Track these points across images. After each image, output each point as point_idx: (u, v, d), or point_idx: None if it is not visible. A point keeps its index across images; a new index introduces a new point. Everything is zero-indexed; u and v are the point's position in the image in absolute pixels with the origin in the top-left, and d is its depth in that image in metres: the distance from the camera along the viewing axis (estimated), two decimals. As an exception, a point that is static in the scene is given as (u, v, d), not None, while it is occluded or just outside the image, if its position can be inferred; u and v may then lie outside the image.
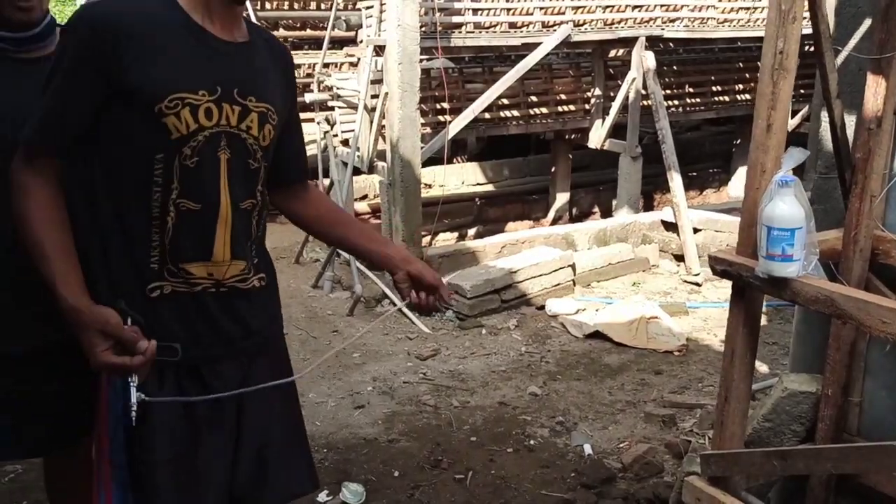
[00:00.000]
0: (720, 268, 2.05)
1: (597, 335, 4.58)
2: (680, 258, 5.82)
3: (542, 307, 5.09)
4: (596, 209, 8.19)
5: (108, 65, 1.32)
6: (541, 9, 5.68)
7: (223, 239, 1.45)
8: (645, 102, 6.39)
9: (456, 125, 5.58)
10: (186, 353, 1.42)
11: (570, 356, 4.35)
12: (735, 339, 2.09)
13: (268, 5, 7.71)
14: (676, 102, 7.35)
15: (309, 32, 7.94)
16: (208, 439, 1.47)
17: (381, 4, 5.08)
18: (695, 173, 8.93)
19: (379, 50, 5.16)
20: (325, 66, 6.67)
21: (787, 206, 1.72)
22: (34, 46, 1.75)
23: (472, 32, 5.47)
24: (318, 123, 6.25)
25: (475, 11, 5.46)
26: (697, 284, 5.48)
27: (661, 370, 4.13)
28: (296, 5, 7.80)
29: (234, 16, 1.46)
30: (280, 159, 1.58)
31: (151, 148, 1.37)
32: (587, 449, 3.28)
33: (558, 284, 5.25)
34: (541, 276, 5.19)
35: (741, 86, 7.78)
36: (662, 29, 6.15)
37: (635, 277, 5.63)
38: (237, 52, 1.45)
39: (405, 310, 4.97)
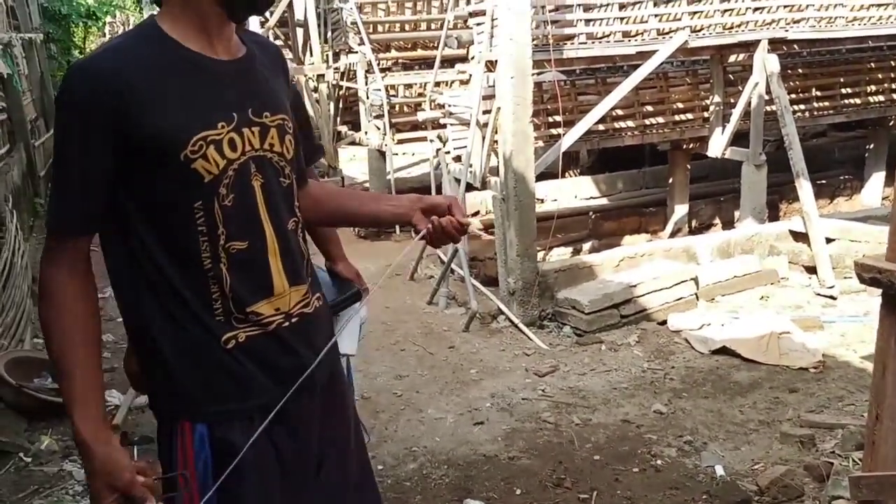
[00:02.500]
0: (869, 276, 1.90)
1: (724, 351, 4.37)
2: (812, 270, 5.50)
3: (664, 322, 4.91)
4: (717, 221, 7.88)
5: (117, 125, 1.23)
6: (656, 16, 5.53)
7: (278, 269, 1.39)
8: (768, 108, 6.10)
9: (569, 138, 5.49)
10: (273, 396, 1.35)
11: (695, 373, 4.16)
12: (887, 352, 1.93)
13: (379, 28, 7.87)
14: (803, 107, 6.99)
15: (420, 52, 8.05)
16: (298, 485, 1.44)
17: (493, 20, 5.07)
18: (823, 181, 8.45)
19: (491, 65, 5.15)
20: (437, 84, 6.74)
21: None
22: None
23: (585, 43, 5.38)
24: (431, 141, 6.30)
25: (587, 22, 5.37)
26: (832, 298, 5.16)
27: (795, 388, 3.89)
28: (406, 27, 7.93)
29: (231, 33, 1.38)
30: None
31: (187, 198, 1.29)
32: (719, 470, 3.12)
33: (680, 299, 5.06)
34: (662, 290, 5.01)
35: (873, 87, 7.31)
36: (786, 30, 5.87)
37: (763, 291, 5.35)
38: (241, 69, 1.37)
39: (522, 326, 4.91)
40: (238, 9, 1.34)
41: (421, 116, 6.16)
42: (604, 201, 8.29)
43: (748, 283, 5.40)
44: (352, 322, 2.37)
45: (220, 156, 1.29)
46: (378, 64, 7.48)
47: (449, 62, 7.18)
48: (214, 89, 1.31)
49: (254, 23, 7.83)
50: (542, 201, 7.87)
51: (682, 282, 5.09)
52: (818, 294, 5.28)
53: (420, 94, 7.25)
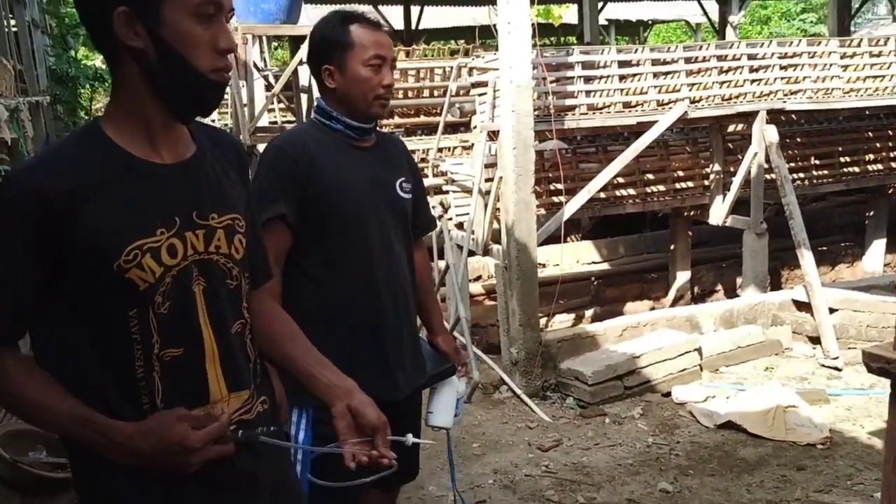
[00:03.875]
0: (877, 365, 1.88)
1: (729, 425, 4.30)
2: (815, 340, 5.46)
3: (668, 394, 4.85)
4: (719, 287, 7.87)
5: (50, 235, 1.21)
6: (655, 87, 5.61)
7: (216, 375, 1.35)
8: (768, 176, 6.14)
9: (571, 206, 5.52)
10: None
11: (701, 448, 4.09)
12: (899, 444, 1.89)
13: (383, 95, 7.97)
14: (802, 175, 7.03)
15: (423, 119, 8.15)
16: None
17: (495, 91, 5.15)
18: (824, 247, 8.46)
19: (493, 135, 5.20)
20: (440, 150, 6.80)
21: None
22: (367, 138, 2.19)
23: (586, 114, 5.45)
24: (434, 208, 6.33)
25: (588, 93, 5.45)
26: (837, 369, 5.10)
27: (803, 465, 3.82)
28: (409, 94, 8.04)
29: (178, 134, 1.35)
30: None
31: (121, 307, 1.26)
32: (728, 555, 3.04)
33: (684, 370, 5.01)
34: (665, 360, 4.96)
35: (871, 156, 7.37)
36: (784, 101, 5.95)
37: (767, 361, 5.31)
38: (188, 169, 1.35)
39: (524, 397, 4.85)
40: (183, 111, 1.33)
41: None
42: (605, 266, 8.28)
43: (752, 354, 5.35)
44: (445, 395, 2.39)
45: (156, 263, 1.27)
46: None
47: (451, 127, 7.26)
48: (156, 195, 1.29)
49: (259, 89, 7.93)
50: (544, 266, 7.86)
51: (686, 352, 5.04)
52: (823, 365, 5.22)
53: (423, 160, 7.31)
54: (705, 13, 17.19)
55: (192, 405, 1.31)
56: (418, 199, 2.35)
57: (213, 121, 14.72)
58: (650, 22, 24.32)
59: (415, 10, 16.10)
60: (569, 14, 20.45)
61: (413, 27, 16.19)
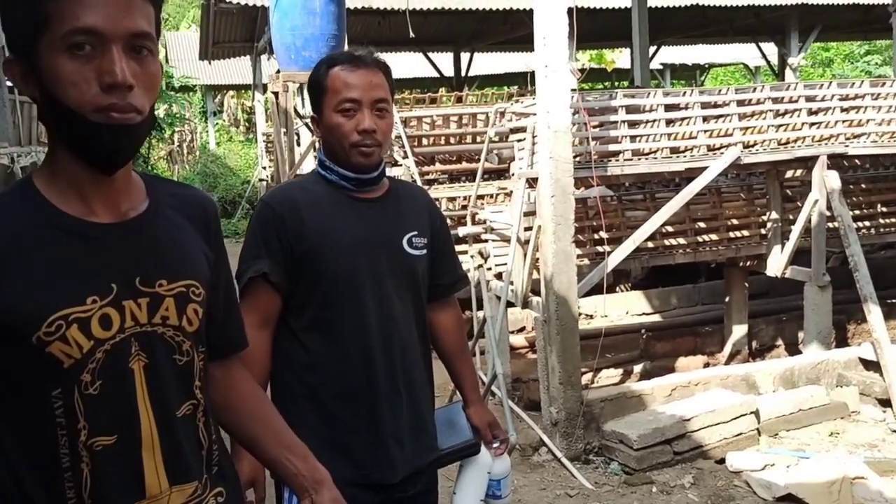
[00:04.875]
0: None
1: (790, 498, 3.92)
2: (885, 403, 5.01)
3: (722, 461, 4.47)
4: (779, 342, 7.40)
5: None
6: (705, 131, 5.32)
7: (154, 466, 1.17)
8: (830, 224, 5.75)
9: (616, 257, 5.23)
10: None
11: (758, 526, 3.71)
12: None
13: (424, 141, 7.86)
14: (867, 223, 6.60)
15: (464, 165, 7.99)
16: None
17: (534, 137, 4.93)
18: (894, 300, 7.93)
19: (532, 182, 4.98)
20: (479, 197, 6.60)
21: None
22: (371, 188, 1.97)
23: (630, 160, 5.18)
24: (472, 257, 6.11)
25: (633, 138, 5.19)
26: (911, 436, 4.66)
27: (874, 550, 3.41)
28: (451, 140, 7.90)
29: (116, 188, 1.19)
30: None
31: (42, 386, 1.10)
32: None
33: (740, 434, 4.62)
34: (719, 423, 4.59)
35: (943, 201, 6.90)
36: (846, 146, 5.59)
37: (832, 426, 4.88)
38: (131, 230, 1.19)
39: (565, 461, 4.53)
40: (91, 161, 1.15)
41: (462, 231, 6.00)
42: (656, 318, 7.90)
43: (815, 418, 4.93)
44: (469, 476, 2.14)
45: (84, 336, 1.11)
46: (422, 177, 7.41)
47: (492, 174, 7.06)
48: (88, 258, 1.14)
49: (303, 136, 7.90)
50: (592, 317, 7.54)
51: (742, 415, 4.67)
52: (894, 431, 4.78)
53: (463, 207, 7.12)
54: (763, 55, 16.84)
55: (124, 500, 1.15)
56: (443, 255, 2.12)
57: (265, 168, 14.91)
58: (707, 66, 24.02)
59: (465, 56, 16.11)
60: (622, 59, 20.31)
61: (463, 74, 16.19)
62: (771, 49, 16.60)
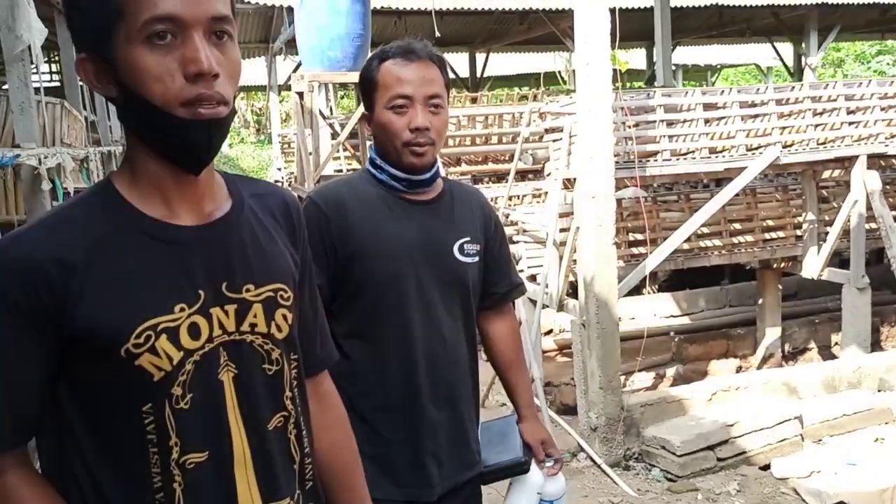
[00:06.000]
0: None
1: (840, 506, 3.82)
2: (931, 408, 4.91)
3: (767, 467, 4.37)
4: (812, 345, 7.29)
5: (46, 318, 1.01)
6: (744, 131, 5.23)
7: (247, 483, 1.10)
8: (869, 226, 5.65)
9: (654, 258, 5.14)
10: None
11: (813, 535, 3.61)
12: None
13: (450, 142, 7.78)
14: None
15: (490, 166, 7.91)
16: None
17: (570, 137, 4.85)
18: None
19: (568, 183, 4.89)
20: (510, 199, 6.52)
21: None
22: (424, 190, 1.86)
23: (669, 160, 5.09)
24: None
25: (671, 138, 5.10)
26: (960, 442, 4.55)
27: (937, 561, 3.31)
28: (478, 140, 7.82)
29: (200, 189, 1.11)
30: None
31: (132, 401, 1.03)
32: None
33: (784, 440, 4.52)
34: (762, 429, 4.49)
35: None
36: (886, 145, 5.49)
37: (877, 431, 4.77)
38: (217, 232, 1.12)
39: (605, 467, 4.44)
40: (178, 161, 1.07)
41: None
42: (685, 320, 7.81)
43: (859, 423, 4.82)
44: (516, 495, 2.03)
45: (174, 347, 1.04)
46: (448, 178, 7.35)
47: (521, 174, 6.97)
48: (174, 264, 1.07)
49: (325, 137, 7.82)
50: (619, 319, 7.44)
51: (786, 420, 4.56)
52: (941, 437, 4.67)
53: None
54: (779, 56, 16.68)
55: None
56: (498, 260, 2.00)
57: (280, 169, 14.83)
58: (718, 66, 23.87)
59: (480, 56, 16.03)
60: (635, 59, 20.20)
61: (478, 75, 16.12)
62: (786, 50, 16.45)
